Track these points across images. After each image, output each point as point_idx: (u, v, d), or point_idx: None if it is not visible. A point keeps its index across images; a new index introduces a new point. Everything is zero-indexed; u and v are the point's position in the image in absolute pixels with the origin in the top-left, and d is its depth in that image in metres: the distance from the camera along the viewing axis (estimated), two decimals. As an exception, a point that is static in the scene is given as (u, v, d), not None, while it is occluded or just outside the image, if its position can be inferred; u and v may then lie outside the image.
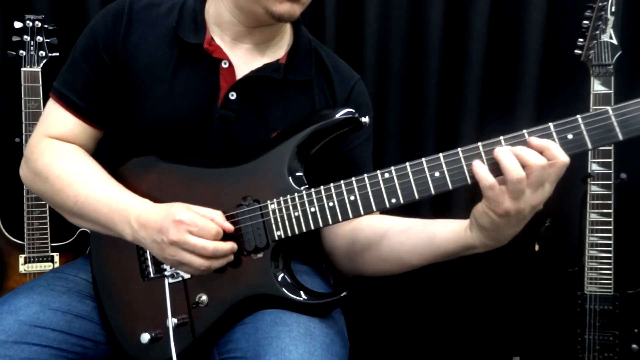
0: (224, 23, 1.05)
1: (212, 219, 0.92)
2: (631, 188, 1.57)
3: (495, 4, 1.70)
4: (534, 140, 0.80)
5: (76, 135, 1.07)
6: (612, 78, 1.46)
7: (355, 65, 1.25)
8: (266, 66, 1.05)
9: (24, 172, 1.09)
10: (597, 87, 1.47)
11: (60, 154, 1.04)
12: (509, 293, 1.79)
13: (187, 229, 0.89)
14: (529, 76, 1.69)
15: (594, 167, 1.47)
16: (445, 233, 0.95)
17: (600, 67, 1.47)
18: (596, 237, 1.48)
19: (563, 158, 0.80)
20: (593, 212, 1.48)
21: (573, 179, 1.69)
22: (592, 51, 1.47)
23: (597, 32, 1.46)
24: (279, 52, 1.09)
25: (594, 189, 1.47)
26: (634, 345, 1.49)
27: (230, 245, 0.92)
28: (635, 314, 1.49)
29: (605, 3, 1.43)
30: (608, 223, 1.47)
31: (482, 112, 1.73)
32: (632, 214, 1.66)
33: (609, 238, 1.47)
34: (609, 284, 1.49)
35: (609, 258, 1.48)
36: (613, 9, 1.45)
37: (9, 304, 0.97)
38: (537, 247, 1.55)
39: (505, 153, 0.80)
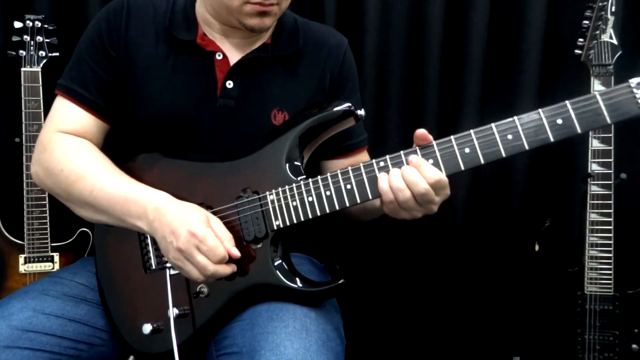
0: (210, 23, 1.10)
1: (222, 242, 0.93)
2: (631, 188, 1.57)
3: (496, 3, 1.70)
4: (412, 158, 0.89)
5: (86, 129, 1.09)
6: (612, 78, 1.46)
7: (355, 63, 1.26)
8: (254, 50, 1.10)
9: (35, 168, 1.09)
10: (597, 87, 1.47)
11: (73, 147, 1.06)
12: (509, 293, 1.79)
13: (196, 244, 0.91)
14: (529, 76, 1.69)
15: (594, 167, 1.47)
16: (373, 205, 1.02)
17: (600, 67, 1.47)
18: (596, 237, 1.48)
19: (434, 175, 0.87)
20: (593, 212, 1.48)
21: (573, 179, 1.69)
22: (592, 51, 1.47)
23: (597, 32, 1.45)
24: (265, 36, 1.13)
25: (594, 189, 1.47)
26: (634, 345, 1.49)
27: (230, 269, 0.95)
28: (635, 314, 1.49)
29: (605, 3, 1.43)
30: (608, 223, 1.47)
31: (482, 111, 1.73)
32: (632, 214, 1.66)
33: (609, 238, 1.47)
34: (609, 284, 1.49)
35: (609, 258, 1.48)
36: (613, 9, 1.45)
37: (2, 309, 0.99)
38: (537, 247, 1.55)
39: (396, 176, 0.89)
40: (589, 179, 1.47)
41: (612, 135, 1.45)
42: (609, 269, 1.48)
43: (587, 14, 1.46)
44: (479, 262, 1.81)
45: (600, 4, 1.43)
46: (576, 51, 1.49)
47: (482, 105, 1.73)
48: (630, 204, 1.65)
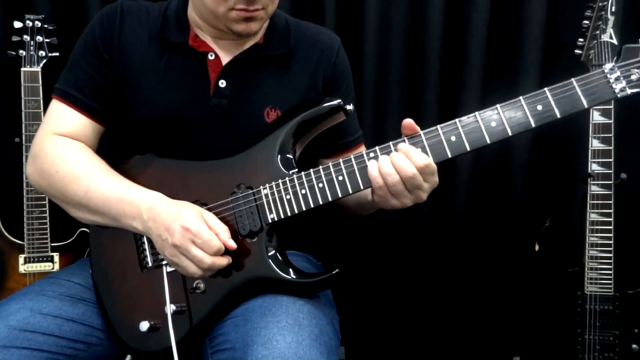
0: (201, 26, 1.11)
1: (217, 234, 0.94)
2: (631, 188, 1.57)
3: (496, 3, 1.70)
4: (401, 145, 0.92)
5: (81, 132, 1.10)
6: (612, 78, 1.46)
7: (355, 63, 1.27)
8: (246, 50, 1.12)
9: (30, 169, 1.10)
10: (597, 87, 1.47)
11: (68, 149, 1.07)
12: (509, 293, 1.79)
13: (191, 238, 0.92)
14: (529, 76, 1.69)
15: (594, 167, 1.47)
16: (366, 198, 1.04)
17: (600, 67, 1.46)
18: (596, 237, 1.48)
19: (422, 160, 0.90)
20: (593, 212, 1.48)
21: (573, 179, 1.69)
22: (592, 51, 1.47)
23: (597, 32, 1.45)
24: (257, 36, 1.14)
25: (594, 189, 1.47)
26: (634, 345, 1.49)
27: (226, 261, 0.96)
28: (635, 314, 1.49)
29: (605, 3, 1.43)
30: (608, 223, 1.47)
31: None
32: (632, 214, 1.66)
33: (609, 238, 1.47)
34: (609, 284, 1.49)
35: (609, 258, 1.48)
36: (613, 9, 1.45)
37: (0, 310, 0.99)
38: (537, 247, 1.55)
39: (385, 162, 0.91)
40: (589, 179, 1.47)
41: (612, 135, 1.45)
42: (609, 269, 1.48)
43: (587, 14, 1.46)
44: (478, 262, 1.81)
45: (600, 4, 1.43)
46: (576, 51, 1.49)
47: (482, 105, 1.72)
48: (630, 204, 1.64)
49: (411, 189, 0.92)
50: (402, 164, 0.90)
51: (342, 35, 1.22)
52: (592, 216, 1.48)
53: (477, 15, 1.67)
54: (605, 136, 1.45)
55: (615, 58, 0.87)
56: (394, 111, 1.75)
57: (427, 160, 0.90)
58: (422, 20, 1.70)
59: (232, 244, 0.95)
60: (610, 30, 1.47)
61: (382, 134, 1.75)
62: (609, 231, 1.47)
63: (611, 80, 0.85)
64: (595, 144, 1.46)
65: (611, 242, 1.47)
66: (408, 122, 0.93)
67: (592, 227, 1.48)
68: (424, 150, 0.92)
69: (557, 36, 1.70)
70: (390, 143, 0.94)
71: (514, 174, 1.75)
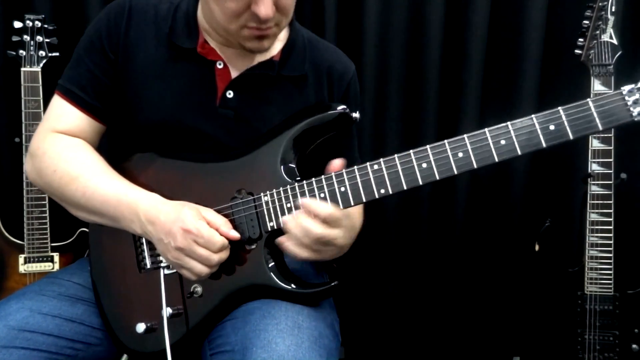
0: (211, 32, 1.07)
1: (218, 229, 0.94)
2: (631, 188, 1.57)
3: (496, 3, 1.70)
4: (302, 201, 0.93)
5: (81, 129, 1.08)
6: (612, 78, 1.46)
7: (355, 64, 1.26)
8: (260, 64, 1.08)
9: (29, 167, 1.09)
10: (597, 87, 1.47)
11: (67, 148, 1.05)
12: (509, 293, 1.79)
13: (193, 238, 0.92)
14: (529, 76, 1.69)
15: (594, 167, 1.47)
16: None
17: (600, 67, 1.47)
18: (596, 237, 1.48)
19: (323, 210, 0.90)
20: (593, 212, 1.48)
21: (573, 179, 1.69)
22: (592, 51, 1.47)
23: (597, 32, 1.45)
24: (272, 49, 1.10)
25: (594, 189, 1.47)
26: (634, 345, 1.49)
27: (228, 253, 0.96)
28: (635, 314, 1.49)
29: (605, 3, 1.43)
30: (608, 223, 1.47)
31: (482, 111, 1.73)
32: (632, 214, 1.66)
33: (609, 238, 1.47)
34: (609, 284, 1.49)
35: (609, 258, 1.48)
36: (613, 9, 1.45)
37: None
38: (537, 247, 1.55)
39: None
40: (589, 179, 1.47)
41: (612, 135, 1.45)
42: (609, 269, 1.48)
43: (587, 14, 1.46)
44: (479, 262, 1.81)
45: (600, 4, 1.43)
46: (576, 51, 1.49)
47: (483, 105, 1.73)
48: (630, 204, 1.64)
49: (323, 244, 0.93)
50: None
51: (342, 35, 1.21)
52: (592, 216, 1.48)
53: (477, 15, 1.67)
54: (605, 136, 1.45)
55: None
56: (394, 111, 1.75)
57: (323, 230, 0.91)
58: (422, 20, 1.70)
59: (235, 234, 0.95)
60: (610, 30, 1.47)
61: (382, 134, 1.74)
62: (609, 231, 1.47)
63: (629, 103, 0.81)
64: (595, 144, 1.46)
65: (611, 242, 1.47)
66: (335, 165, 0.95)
67: (592, 227, 1.48)
68: (429, 165, 0.89)
69: (557, 36, 1.70)
70: (383, 159, 0.92)
71: (514, 174, 1.75)
